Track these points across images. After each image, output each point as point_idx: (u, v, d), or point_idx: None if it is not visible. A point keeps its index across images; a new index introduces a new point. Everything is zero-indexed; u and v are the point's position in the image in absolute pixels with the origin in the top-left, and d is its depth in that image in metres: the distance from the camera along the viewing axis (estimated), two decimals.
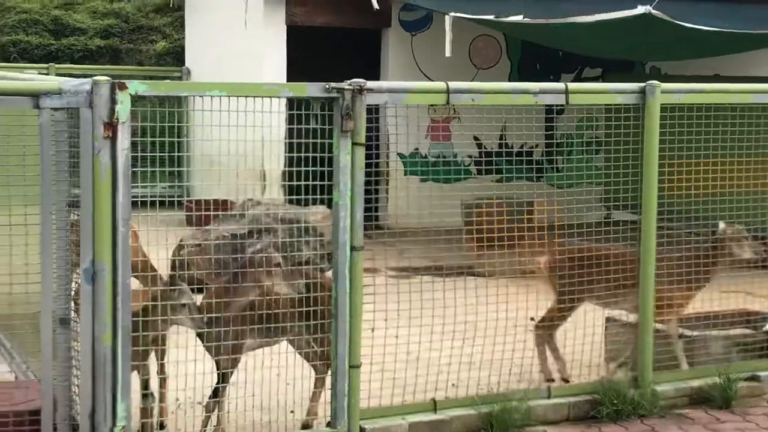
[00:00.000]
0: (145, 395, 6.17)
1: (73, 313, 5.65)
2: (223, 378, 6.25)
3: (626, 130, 7.48)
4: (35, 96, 5.44)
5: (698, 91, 7.45)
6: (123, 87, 5.49)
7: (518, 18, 11.59)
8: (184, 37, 17.56)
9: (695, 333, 7.60)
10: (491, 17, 11.83)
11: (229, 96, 5.91)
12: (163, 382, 6.40)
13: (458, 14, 11.53)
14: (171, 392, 6.23)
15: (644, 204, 7.13)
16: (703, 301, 7.96)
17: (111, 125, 5.46)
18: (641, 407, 6.93)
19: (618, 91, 7.28)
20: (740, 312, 8.16)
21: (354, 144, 6.15)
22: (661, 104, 7.12)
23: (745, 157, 8.27)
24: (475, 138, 14.29)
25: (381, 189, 12.68)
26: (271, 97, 6.06)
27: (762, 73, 15.31)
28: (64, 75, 15.11)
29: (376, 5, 12.76)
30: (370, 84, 6.24)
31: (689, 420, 6.95)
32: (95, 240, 5.48)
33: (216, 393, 6.25)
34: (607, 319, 7.77)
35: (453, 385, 6.90)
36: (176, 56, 18.64)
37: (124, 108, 5.47)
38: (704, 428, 6.80)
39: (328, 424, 6.23)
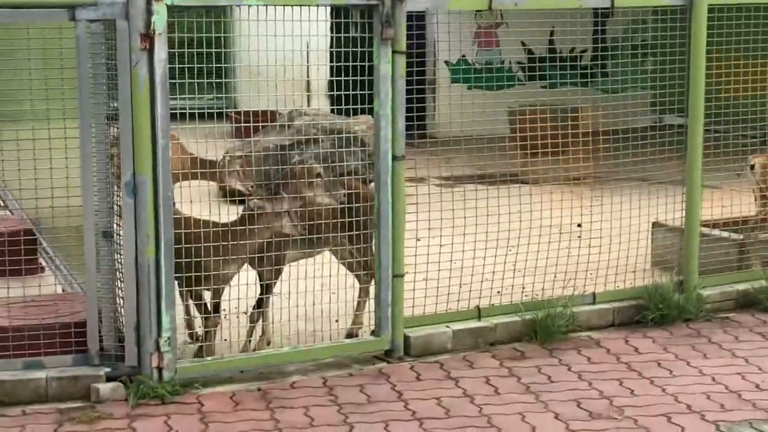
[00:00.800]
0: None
1: (116, 226, 5.68)
2: (267, 289, 6.30)
3: (674, 33, 7.34)
4: (71, 8, 5.44)
5: None
6: None
7: None
8: None
9: (742, 236, 7.53)
10: None
11: (266, 5, 5.86)
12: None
13: None
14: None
15: (691, 107, 7.03)
16: (750, 205, 7.88)
17: (148, 36, 5.45)
18: (687, 311, 6.91)
19: None
20: None
21: (394, 52, 6.10)
22: (709, 5, 6.96)
23: None
24: (523, 44, 14.10)
25: (427, 98, 12.60)
26: (309, 5, 6.00)
27: None
28: None
29: None
30: None
31: (735, 323, 6.93)
32: (135, 153, 5.50)
33: (260, 303, 6.30)
34: (653, 224, 7.71)
35: (498, 292, 6.92)
36: None
37: (160, 18, 5.45)
38: (750, 331, 6.77)
39: (372, 333, 6.28)
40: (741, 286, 7.25)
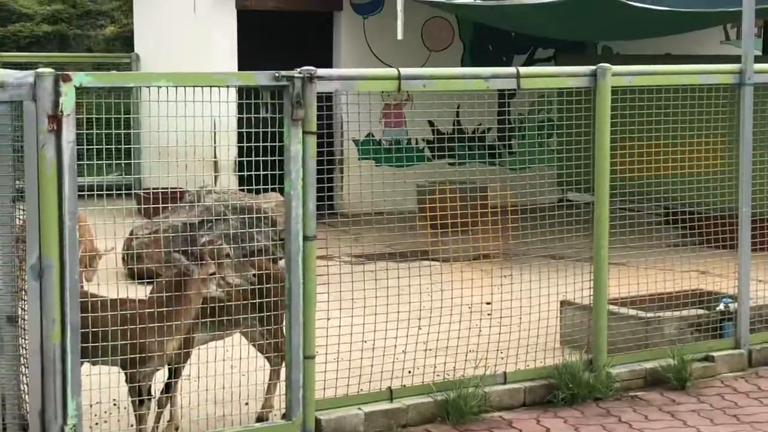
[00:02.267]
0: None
1: (20, 311, 5.56)
2: (175, 372, 6.19)
3: (578, 114, 7.49)
4: None
5: (648, 73, 7.51)
6: (67, 79, 5.41)
7: (470, 0, 11.58)
8: (133, 22, 17.38)
9: (649, 314, 7.63)
10: None
11: (176, 86, 5.85)
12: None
13: None
14: (117, 388, 6.13)
15: (597, 186, 7.14)
16: (657, 282, 8.01)
17: (55, 118, 5.38)
18: (596, 390, 6.96)
19: (569, 75, 7.29)
20: (694, 292, 8.20)
21: (305, 132, 6.11)
22: (612, 86, 7.13)
23: (696, 137, 8.32)
24: (430, 122, 14.28)
25: (335, 176, 12.65)
26: (219, 86, 6.00)
27: (712, 51, 15.43)
28: (10, 63, 14.94)
29: None
30: (321, 72, 6.19)
31: (644, 402, 6.99)
32: (41, 235, 5.40)
33: (168, 388, 6.19)
34: (562, 302, 7.79)
35: (409, 372, 6.90)
36: (125, 41, 18.46)
37: (68, 100, 5.39)
38: (659, 410, 6.83)
39: (284, 416, 6.20)
40: (649, 365, 7.32)
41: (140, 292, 6.49)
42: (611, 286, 7.33)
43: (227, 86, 6.04)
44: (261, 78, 6.07)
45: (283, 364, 6.31)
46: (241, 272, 6.22)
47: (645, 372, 7.30)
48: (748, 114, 7.66)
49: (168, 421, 6.21)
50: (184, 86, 5.87)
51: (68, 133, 5.40)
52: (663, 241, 8.74)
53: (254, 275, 6.22)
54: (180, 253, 6.05)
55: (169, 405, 6.21)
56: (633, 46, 14.83)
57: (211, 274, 5.97)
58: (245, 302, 6.23)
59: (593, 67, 7.12)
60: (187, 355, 6.22)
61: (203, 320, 6.15)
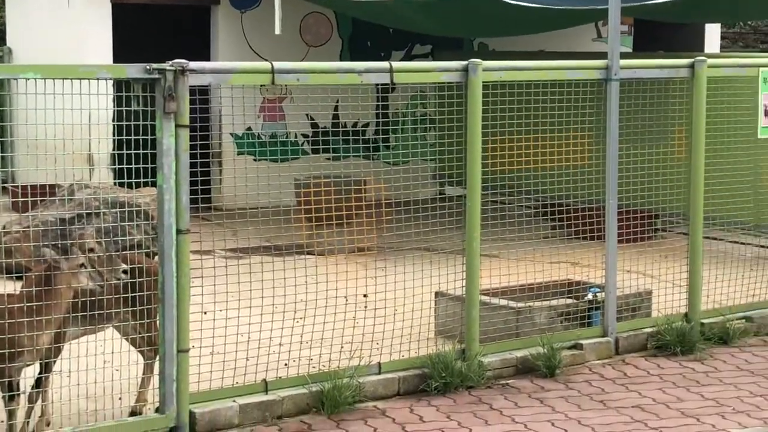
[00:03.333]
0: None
1: None
2: (46, 367, 6.13)
3: (452, 108, 7.61)
4: None
5: (517, 68, 7.65)
6: None
7: None
8: (5, 15, 17.02)
9: (520, 304, 7.79)
10: None
11: (44, 79, 5.78)
12: None
13: None
14: None
15: (469, 179, 7.25)
16: (528, 273, 8.18)
17: None
18: (469, 379, 7.08)
19: (442, 69, 7.41)
20: (564, 282, 8.40)
21: (177, 126, 6.10)
22: (484, 81, 7.25)
23: (564, 131, 8.52)
24: (308, 116, 14.30)
25: (212, 170, 12.59)
26: (88, 78, 5.94)
27: (584, 48, 15.78)
28: None
29: None
30: (193, 65, 6.18)
31: (515, 389, 7.14)
32: None
33: (39, 383, 6.12)
34: (436, 293, 7.90)
35: (285, 364, 6.93)
36: None
37: None
38: (529, 397, 6.99)
39: (157, 410, 6.18)
40: (520, 353, 7.47)
41: (10, 287, 6.40)
42: (483, 277, 7.46)
43: (97, 78, 5.98)
44: (132, 71, 6.04)
45: (157, 358, 6.28)
46: (112, 266, 6.16)
47: (516, 360, 7.44)
48: (614, 108, 7.86)
49: (39, 417, 6.15)
50: (54, 78, 5.81)
51: None
52: (534, 233, 8.91)
53: (125, 270, 6.18)
54: (49, 248, 5.98)
55: (40, 400, 6.14)
56: (509, 43, 15.08)
57: (79, 266, 5.91)
58: (117, 296, 6.19)
59: (465, 63, 7.24)
60: (59, 350, 6.16)
61: (75, 314, 6.09)
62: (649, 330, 8.09)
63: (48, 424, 6.13)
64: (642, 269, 9.10)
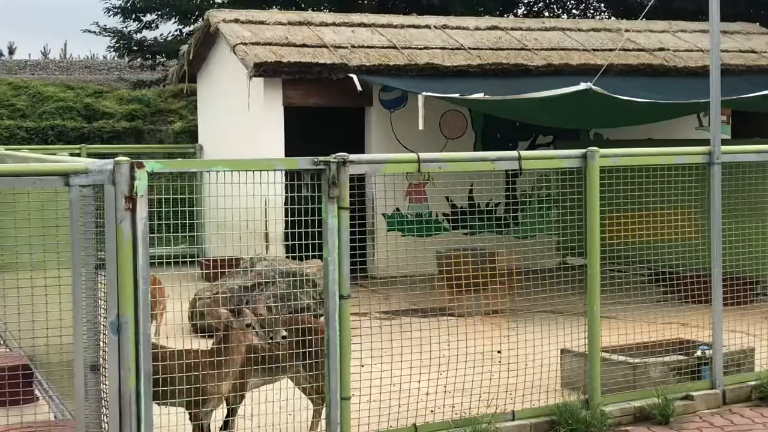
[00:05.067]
0: None
1: (102, 360, 5.63)
2: (232, 412, 6.23)
3: (572, 189, 7.55)
4: (66, 175, 5.48)
5: (630, 155, 7.56)
6: (141, 166, 5.53)
7: (479, 95, 11.71)
8: (197, 118, 17.66)
9: (636, 360, 7.60)
10: (456, 95, 11.95)
11: (231, 170, 5.96)
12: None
13: (428, 93, 11.65)
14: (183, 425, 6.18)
15: (589, 250, 7.16)
16: (643, 333, 7.99)
17: (131, 198, 5.49)
18: (592, 426, 6.90)
19: (563, 157, 7.36)
20: (675, 341, 8.17)
21: (340, 208, 6.19)
22: (600, 166, 7.19)
23: (673, 209, 8.35)
24: (447, 198, 14.37)
25: (367, 245, 12.73)
26: (267, 170, 6.10)
27: (688, 135, 15.48)
28: (95, 154, 15.18)
29: (359, 87, 12.89)
30: (352, 157, 6.29)
31: None
32: (119, 296, 5.49)
33: (226, 425, 6.23)
34: (562, 351, 7.78)
35: (431, 411, 6.89)
36: (191, 134, 18.73)
37: (141, 183, 5.51)
38: None
39: None
40: (637, 403, 7.27)
41: (203, 344, 6.55)
42: (603, 336, 7.32)
43: (274, 170, 6.15)
44: (302, 163, 6.18)
45: (324, 405, 6.33)
46: (275, 329, 6.22)
47: (634, 409, 7.24)
48: (717, 188, 7.69)
49: None
50: (238, 170, 5.99)
51: (141, 210, 5.51)
52: (648, 297, 8.71)
53: (284, 335, 6.21)
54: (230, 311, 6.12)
55: None
56: (620, 132, 14.91)
57: (247, 326, 6.02)
58: (291, 351, 6.28)
59: (584, 150, 7.19)
60: (242, 397, 6.26)
61: (256, 366, 6.20)
62: (753, 383, 7.78)
63: None
64: (745, 329, 8.79)
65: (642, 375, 7.51)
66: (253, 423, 6.11)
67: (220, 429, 6.24)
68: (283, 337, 6.20)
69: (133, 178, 5.47)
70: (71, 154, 12.92)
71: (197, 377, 5.85)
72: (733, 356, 7.92)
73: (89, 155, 14.76)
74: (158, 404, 5.85)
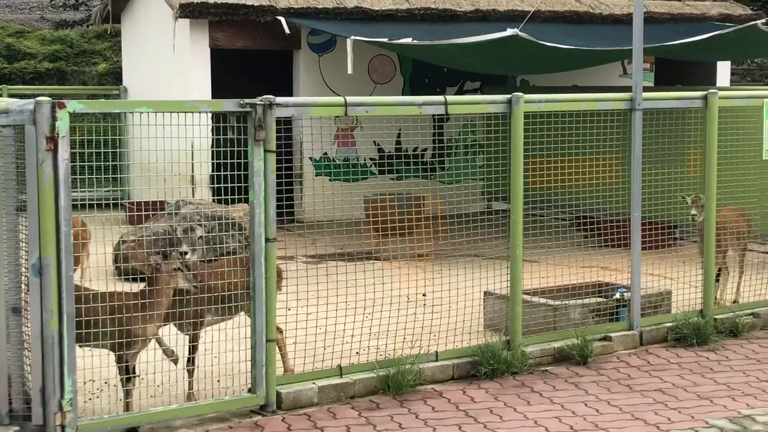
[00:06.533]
0: None
1: (23, 302, 5.58)
2: (192, 349, 6.38)
3: (497, 135, 7.62)
4: None
5: (554, 100, 7.63)
6: (62, 106, 5.44)
7: (407, 40, 11.68)
8: (121, 60, 17.34)
9: (557, 302, 7.76)
10: (385, 40, 11.91)
11: (155, 112, 5.89)
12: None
13: (357, 37, 11.58)
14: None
15: (512, 195, 7.25)
16: (563, 276, 8.15)
17: (52, 139, 5.41)
18: (513, 366, 7.06)
19: (489, 102, 7.42)
20: (594, 283, 8.35)
21: (266, 151, 6.17)
22: (525, 112, 7.25)
23: (594, 154, 8.48)
24: (375, 143, 14.38)
25: (295, 188, 12.71)
26: (192, 112, 6.05)
27: (612, 82, 15.68)
28: (16, 95, 14.84)
29: (287, 30, 12.76)
30: (279, 99, 6.27)
31: (553, 375, 7.11)
32: (41, 239, 5.42)
33: (190, 361, 6.37)
34: (485, 293, 7.90)
35: (356, 353, 6.97)
36: (116, 76, 18.40)
37: (63, 124, 5.43)
38: (565, 381, 6.96)
39: (249, 390, 6.25)
40: (557, 344, 7.44)
41: (126, 287, 6.51)
42: (525, 279, 7.45)
43: (199, 112, 6.09)
44: (228, 105, 6.13)
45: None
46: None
47: (554, 350, 7.41)
48: (638, 134, 7.83)
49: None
50: (163, 112, 5.93)
51: (63, 152, 5.43)
52: (568, 241, 8.87)
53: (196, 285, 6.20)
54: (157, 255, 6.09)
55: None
56: (546, 79, 15.03)
57: (175, 269, 6.01)
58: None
59: (509, 96, 7.25)
60: (197, 336, 6.32)
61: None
62: (669, 324, 8.01)
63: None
64: (662, 272, 9.02)
65: (562, 317, 7.68)
66: (178, 365, 6.10)
67: (187, 363, 6.29)
68: (195, 287, 6.16)
69: (54, 119, 5.39)
70: None
71: (123, 320, 5.83)
72: (651, 299, 8.13)
73: (11, 96, 14.42)
74: (82, 346, 5.82)
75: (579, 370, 7.22)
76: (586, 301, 7.92)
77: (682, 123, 9.05)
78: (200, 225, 7.18)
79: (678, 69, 16.11)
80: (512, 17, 13.62)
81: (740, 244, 8.82)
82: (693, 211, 8.26)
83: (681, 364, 7.38)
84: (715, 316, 8.14)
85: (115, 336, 5.80)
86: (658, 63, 16.41)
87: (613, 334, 7.71)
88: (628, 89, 8.02)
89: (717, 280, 8.45)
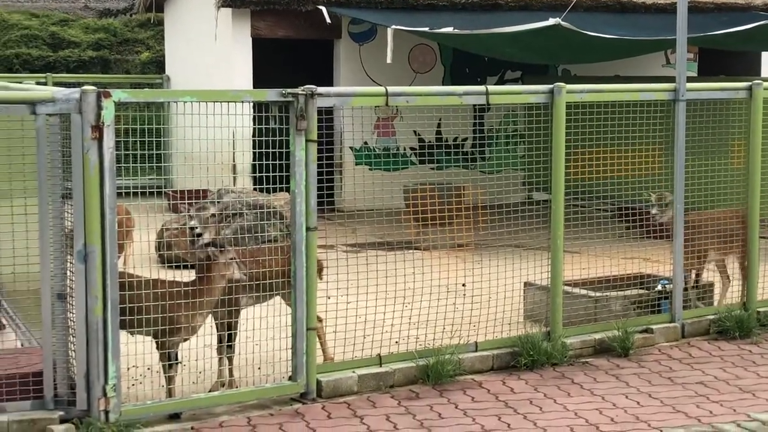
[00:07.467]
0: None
1: (69, 289, 5.65)
2: (230, 337, 6.42)
3: (539, 125, 7.57)
4: (32, 104, 5.44)
5: (597, 90, 7.57)
6: (107, 95, 5.50)
7: (449, 29, 11.64)
8: (164, 48, 17.45)
9: (598, 294, 7.72)
10: (426, 29, 11.88)
11: (199, 101, 5.93)
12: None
13: (398, 26, 11.56)
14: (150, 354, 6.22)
15: (553, 186, 7.22)
16: (605, 267, 8.10)
17: (98, 128, 5.47)
18: (553, 357, 7.04)
19: (530, 92, 7.38)
20: (636, 275, 8.30)
21: (307, 141, 6.19)
22: (567, 102, 7.21)
23: (637, 145, 8.41)
24: (415, 132, 14.37)
25: (335, 178, 12.74)
26: (235, 101, 6.08)
27: (654, 72, 15.52)
28: (60, 84, 15.00)
29: (328, 19, 12.77)
30: (320, 89, 6.28)
31: (593, 366, 7.08)
32: (86, 226, 5.49)
33: (230, 348, 6.45)
34: (525, 284, 7.87)
35: (396, 342, 6.98)
36: (158, 65, 18.53)
37: (108, 113, 5.48)
38: (606, 373, 6.93)
39: (290, 378, 6.28)
40: (598, 335, 7.40)
41: (169, 275, 6.56)
42: (566, 270, 7.41)
43: (242, 101, 6.13)
44: (271, 95, 6.16)
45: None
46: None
47: (594, 342, 7.38)
48: (681, 125, 7.75)
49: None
50: (206, 101, 5.97)
51: (108, 140, 5.49)
52: (610, 232, 8.81)
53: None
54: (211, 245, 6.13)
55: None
56: (588, 68, 14.92)
57: (231, 260, 6.06)
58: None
59: (551, 86, 7.20)
60: (237, 322, 6.37)
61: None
62: (711, 317, 7.94)
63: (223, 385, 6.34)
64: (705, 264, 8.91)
65: (603, 308, 7.63)
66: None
67: (225, 348, 6.34)
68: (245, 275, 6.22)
69: (99, 108, 5.44)
70: (37, 83, 12.74)
71: (168, 307, 5.88)
72: (693, 290, 8.05)
73: (55, 84, 14.58)
74: (133, 333, 5.88)
75: (620, 362, 7.18)
76: (628, 292, 7.87)
77: (726, 114, 8.94)
78: (213, 203, 7.20)
79: (722, 59, 15.92)
80: (554, 6, 13.52)
81: (728, 248, 8.48)
82: (654, 210, 8.09)
83: (723, 357, 7.32)
84: (759, 309, 8.05)
85: (158, 323, 5.85)
86: (702, 53, 16.23)
87: (654, 326, 7.66)
88: (671, 79, 7.94)
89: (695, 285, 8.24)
